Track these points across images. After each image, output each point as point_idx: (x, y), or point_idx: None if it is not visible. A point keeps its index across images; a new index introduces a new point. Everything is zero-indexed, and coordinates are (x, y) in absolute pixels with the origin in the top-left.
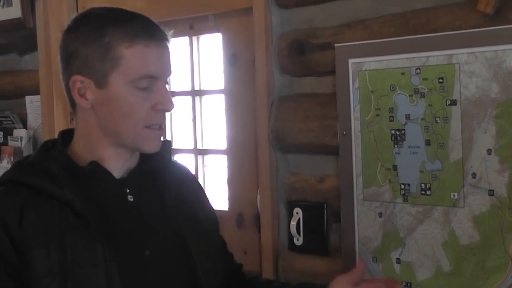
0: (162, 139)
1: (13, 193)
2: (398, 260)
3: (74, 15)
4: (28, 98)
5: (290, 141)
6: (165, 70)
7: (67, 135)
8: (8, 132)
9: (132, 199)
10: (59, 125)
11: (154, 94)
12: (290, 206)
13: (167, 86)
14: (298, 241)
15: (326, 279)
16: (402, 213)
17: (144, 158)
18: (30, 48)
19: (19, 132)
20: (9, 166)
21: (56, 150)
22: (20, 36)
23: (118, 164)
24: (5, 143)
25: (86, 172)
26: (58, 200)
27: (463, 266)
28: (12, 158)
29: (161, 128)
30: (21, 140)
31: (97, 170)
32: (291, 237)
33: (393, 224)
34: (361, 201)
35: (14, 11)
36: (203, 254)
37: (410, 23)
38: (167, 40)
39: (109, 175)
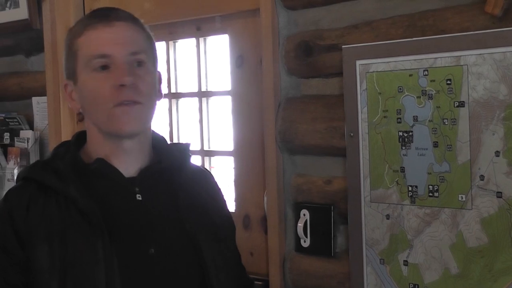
0: (141, 117)
1: (23, 189)
2: (406, 262)
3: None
4: (34, 99)
5: (297, 142)
6: (118, 47)
7: (84, 136)
8: (14, 133)
9: (140, 198)
10: (66, 126)
11: (112, 72)
12: (297, 208)
13: (129, 64)
14: (305, 242)
15: (333, 281)
16: (409, 215)
17: (160, 158)
18: (37, 49)
19: (26, 133)
20: (15, 167)
21: (65, 148)
22: (26, 37)
23: (127, 161)
24: (11, 144)
25: (92, 169)
26: (64, 196)
27: (471, 269)
28: (18, 159)
29: (131, 104)
30: (27, 141)
31: (103, 167)
32: (298, 239)
33: (400, 226)
34: (369, 203)
35: (21, 12)
36: (215, 257)
37: (417, 25)
38: (123, 19)
39: (117, 172)
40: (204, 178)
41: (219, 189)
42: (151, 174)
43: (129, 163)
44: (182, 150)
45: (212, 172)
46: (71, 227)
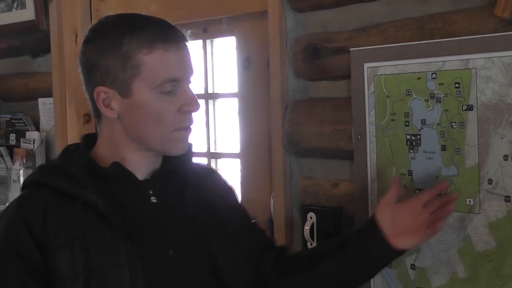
0: (189, 139)
1: (37, 195)
2: (413, 266)
3: (89, 24)
4: (41, 101)
5: (304, 145)
6: (187, 71)
7: (90, 138)
8: (20, 134)
9: (155, 200)
10: (72, 128)
11: (179, 96)
12: (304, 211)
13: (190, 86)
14: (312, 245)
15: None
16: None
17: (167, 159)
18: (43, 50)
19: (32, 135)
20: (21, 168)
21: (78, 152)
22: (33, 38)
23: (142, 167)
24: (17, 145)
25: (109, 173)
26: (81, 201)
27: (479, 273)
28: (24, 160)
29: (189, 128)
30: (33, 143)
31: (119, 171)
32: (304, 242)
33: None
34: (376, 206)
35: (27, 13)
36: (227, 255)
37: (426, 28)
38: (186, 40)
39: (132, 176)
40: (210, 176)
41: (226, 185)
42: (162, 176)
43: (144, 167)
44: (187, 151)
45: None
46: (91, 232)
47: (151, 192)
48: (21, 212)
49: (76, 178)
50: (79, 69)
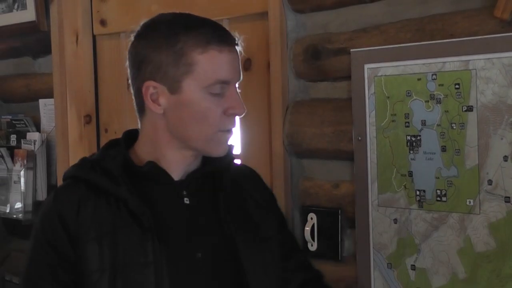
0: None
1: (73, 188)
2: (413, 267)
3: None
4: (41, 101)
5: (305, 146)
6: (237, 74)
7: (132, 135)
8: (21, 135)
9: (188, 202)
10: (73, 129)
11: (226, 98)
12: (305, 212)
13: (238, 90)
14: (313, 246)
15: (340, 285)
16: (417, 220)
17: (206, 160)
18: (44, 51)
19: (33, 135)
20: (22, 169)
21: (116, 149)
22: (34, 39)
23: (179, 166)
24: (18, 146)
25: (144, 172)
26: (115, 197)
27: (479, 274)
28: (25, 161)
29: (231, 131)
30: (34, 143)
31: (154, 170)
32: (305, 243)
33: (408, 231)
34: (376, 207)
35: (28, 14)
36: (255, 259)
37: (426, 29)
38: (237, 44)
39: (167, 176)
40: (247, 176)
41: (267, 189)
42: (197, 178)
43: (181, 167)
44: (227, 152)
45: (256, 170)
46: (122, 229)
47: (185, 193)
48: (56, 205)
49: (112, 175)
50: (127, 63)
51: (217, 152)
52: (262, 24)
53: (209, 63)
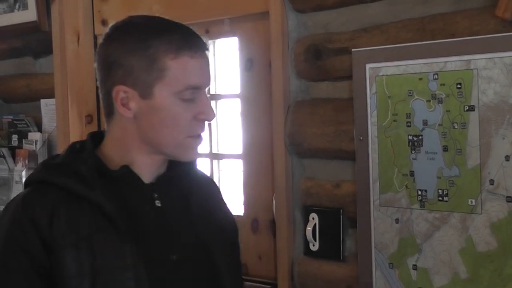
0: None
1: (43, 193)
2: (415, 267)
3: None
4: (43, 102)
5: (306, 146)
6: (207, 79)
7: (96, 137)
8: (22, 135)
9: (159, 204)
10: (74, 129)
11: (196, 104)
12: (306, 211)
13: (207, 95)
14: (314, 246)
15: (341, 285)
16: (419, 219)
17: (172, 164)
18: (45, 51)
19: (34, 136)
20: (23, 169)
21: (86, 152)
22: (35, 39)
23: (149, 170)
24: (19, 146)
25: (117, 175)
26: (88, 201)
27: (480, 273)
28: (26, 161)
29: (201, 137)
30: (35, 144)
31: (128, 174)
32: (306, 243)
33: (409, 230)
34: (378, 206)
35: (29, 14)
36: (227, 260)
37: (428, 28)
38: (208, 49)
39: (139, 179)
40: (208, 181)
41: (222, 195)
42: (167, 181)
43: (151, 171)
44: None
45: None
46: (98, 233)
47: (156, 195)
48: (26, 210)
49: (85, 179)
50: (95, 65)
51: (186, 157)
52: (263, 24)
53: (180, 69)
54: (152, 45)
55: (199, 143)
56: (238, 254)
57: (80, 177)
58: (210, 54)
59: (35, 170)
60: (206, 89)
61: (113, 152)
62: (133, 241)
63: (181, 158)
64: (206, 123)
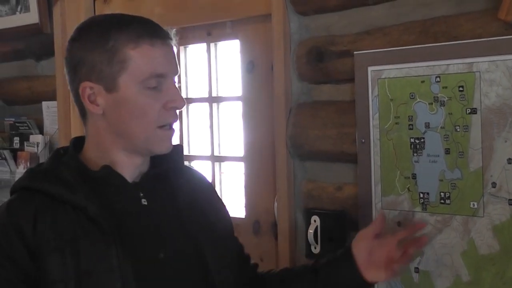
0: (173, 142)
1: (27, 200)
2: (417, 269)
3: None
4: (44, 104)
5: (308, 148)
6: (172, 67)
7: (79, 142)
8: (24, 138)
9: (145, 203)
10: (76, 131)
11: (164, 92)
12: (308, 214)
13: (176, 84)
14: (316, 249)
15: None
16: None
17: (156, 162)
18: (47, 53)
19: (36, 138)
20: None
21: (67, 156)
22: (37, 41)
23: (131, 169)
24: (21, 148)
25: (99, 176)
26: (72, 206)
27: (483, 276)
28: (28, 164)
29: (172, 128)
30: (37, 146)
31: (110, 174)
32: (308, 245)
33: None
34: (380, 209)
35: (31, 17)
36: (217, 258)
37: (430, 31)
38: (171, 38)
39: (122, 179)
40: (199, 179)
41: (214, 189)
42: (152, 178)
43: (132, 170)
44: (177, 152)
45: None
46: (83, 236)
47: (142, 194)
48: (10, 217)
49: (68, 183)
50: (65, 70)
51: (160, 149)
52: (264, 26)
53: (142, 58)
54: (111, 38)
55: (171, 134)
56: (236, 250)
57: (63, 181)
58: (211, 54)
59: (21, 177)
60: (175, 77)
61: (93, 153)
62: (118, 242)
63: (155, 151)
64: (177, 112)
